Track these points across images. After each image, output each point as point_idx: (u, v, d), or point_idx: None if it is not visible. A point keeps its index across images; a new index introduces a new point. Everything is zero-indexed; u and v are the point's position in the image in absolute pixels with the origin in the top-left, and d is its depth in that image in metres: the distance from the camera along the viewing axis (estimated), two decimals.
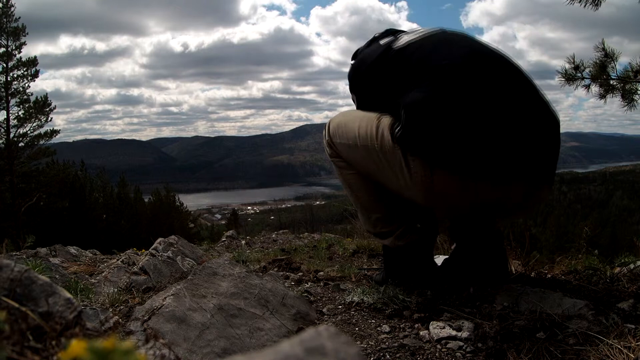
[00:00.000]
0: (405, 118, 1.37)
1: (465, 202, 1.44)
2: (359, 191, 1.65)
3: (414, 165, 1.38)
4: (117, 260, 2.49)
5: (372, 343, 1.24)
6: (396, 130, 1.40)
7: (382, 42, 1.61)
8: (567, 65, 3.85)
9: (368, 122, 1.52)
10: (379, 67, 1.55)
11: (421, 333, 1.28)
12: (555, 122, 1.47)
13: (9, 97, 14.74)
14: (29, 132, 15.08)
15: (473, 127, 1.33)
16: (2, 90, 14.66)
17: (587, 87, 3.87)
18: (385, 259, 1.77)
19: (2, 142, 14.75)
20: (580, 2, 3.24)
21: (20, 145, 15.00)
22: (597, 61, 3.71)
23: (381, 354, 1.17)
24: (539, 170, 1.43)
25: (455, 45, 1.47)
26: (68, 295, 0.62)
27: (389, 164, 1.45)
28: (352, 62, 1.82)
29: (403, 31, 1.69)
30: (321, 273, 2.07)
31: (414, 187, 1.41)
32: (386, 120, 1.47)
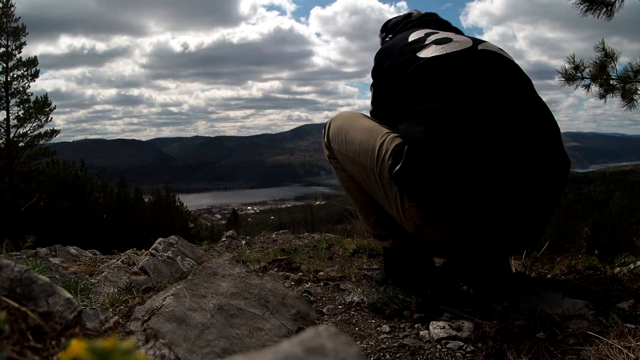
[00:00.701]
0: (406, 156, 1.31)
1: (450, 250, 1.44)
2: (357, 194, 1.63)
3: (409, 207, 1.35)
4: (117, 260, 2.49)
5: (372, 343, 1.24)
6: (396, 167, 1.33)
7: (410, 37, 1.56)
8: (567, 65, 3.85)
9: (370, 139, 1.45)
10: (399, 71, 1.48)
11: (421, 333, 1.28)
12: (563, 183, 1.43)
13: (9, 97, 14.74)
14: (29, 132, 15.08)
15: (477, 186, 1.26)
16: (2, 90, 14.66)
17: (587, 87, 3.87)
18: (386, 260, 1.77)
19: (2, 142, 14.75)
20: (593, 13, 3.25)
21: (20, 145, 15.00)
22: (597, 61, 3.71)
23: (381, 354, 1.17)
24: (527, 242, 1.46)
25: (477, 83, 1.35)
26: (68, 295, 0.62)
27: (384, 192, 1.42)
28: (381, 35, 1.84)
29: (436, 21, 1.70)
30: (321, 273, 2.07)
31: (406, 223, 1.40)
32: (389, 145, 1.38)
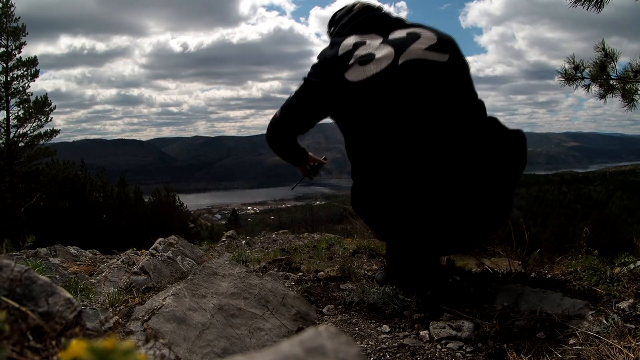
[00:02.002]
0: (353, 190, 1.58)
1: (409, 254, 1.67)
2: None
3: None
4: (117, 260, 2.49)
5: (372, 343, 1.24)
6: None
7: (340, 50, 1.56)
8: (567, 65, 3.84)
9: None
10: (327, 90, 1.53)
11: (421, 333, 1.28)
12: (519, 150, 1.48)
13: (9, 97, 14.73)
14: (29, 132, 15.07)
15: (399, 214, 1.46)
16: (2, 90, 14.65)
17: (587, 87, 3.87)
18: (388, 260, 1.82)
19: (2, 142, 14.73)
20: (583, 4, 3.23)
21: (20, 145, 14.99)
22: (597, 61, 3.71)
23: (381, 354, 1.17)
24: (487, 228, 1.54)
25: (393, 113, 1.42)
26: (68, 295, 0.62)
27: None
28: (329, 30, 1.84)
29: (372, 20, 1.65)
30: (321, 273, 2.07)
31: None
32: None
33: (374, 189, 1.48)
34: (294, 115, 1.65)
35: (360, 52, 1.51)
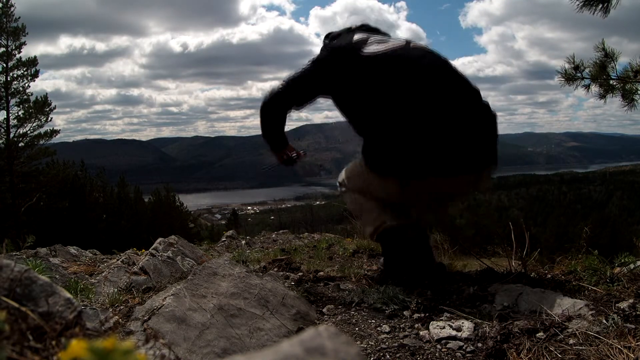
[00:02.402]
0: (373, 147, 1.78)
1: (430, 192, 1.82)
2: (358, 202, 1.99)
3: (389, 179, 1.78)
4: (117, 260, 2.49)
5: (372, 343, 1.24)
6: (368, 160, 1.81)
7: (356, 36, 1.86)
8: (567, 65, 3.84)
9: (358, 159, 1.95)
10: (340, 61, 1.80)
11: (421, 333, 1.28)
12: (492, 118, 1.79)
13: (9, 97, 14.72)
14: (29, 132, 15.06)
15: (425, 152, 1.70)
16: (2, 90, 14.64)
17: (587, 87, 3.86)
18: (385, 259, 1.91)
19: (2, 142, 14.72)
20: (589, 9, 3.23)
21: (20, 145, 14.97)
22: (597, 61, 3.70)
23: (381, 354, 1.17)
24: (482, 161, 1.79)
25: (407, 77, 1.72)
26: (68, 295, 0.62)
27: (374, 180, 1.84)
28: (325, 42, 2.07)
29: (376, 30, 1.98)
30: (321, 273, 2.07)
31: (393, 189, 1.80)
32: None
33: (393, 137, 1.73)
34: (299, 87, 1.88)
35: (375, 38, 1.84)
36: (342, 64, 1.78)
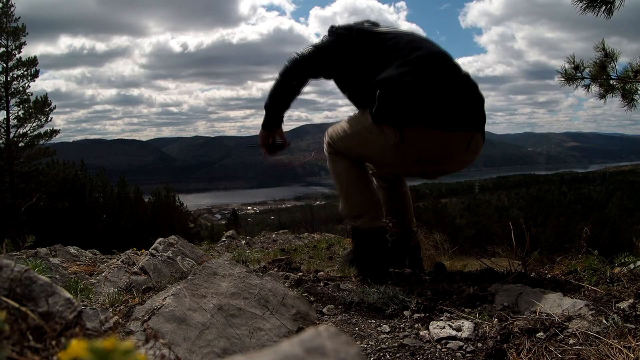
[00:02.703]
0: (380, 91, 1.79)
1: (424, 150, 1.88)
2: (345, 178, 2.06)
3: (387, 130, 1.82)
4: (117, 260, 2.49)
5: (372, 343, 1.24)
6: (373, 108, 1.82)
7: (366, 23, 2.05)
8: (567, 65, 3.84)
9: (351, 118, 2.04)
10: (358, 40, 1.95)
11: (421, 333, 1.28)
12: (475, 86, 1.95)
13: (9, 97, 14.71)
14: (28, 132, 15.05)
15: (427, 97, 1.81)
16: (2, 90, 14.64)
17: (587, 87, 3.86)
18: (355, 244, 2.17)
19: (2, 142, 14.72)
20: (593, 11, 3.23)
21: (20, 145, 14.97)
22: (597, 61, 3.70)
23: (381, 354, 1.17)
24: (474, 120, 1.89)
25: (418, 46, 1.91)
26: (68, 295, 0.62)
27: (370, 136, 1.90)
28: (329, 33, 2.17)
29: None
30: (321, 273, 2.07)
31: (389, 148, 1.85)
32: (363, 111, 1.95)
33: (396, 84, 1.81)
34: (323, 55, 1.99)
35: (385, 25, 2.06)
36: (358, 39, 1.95)
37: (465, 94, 1.90)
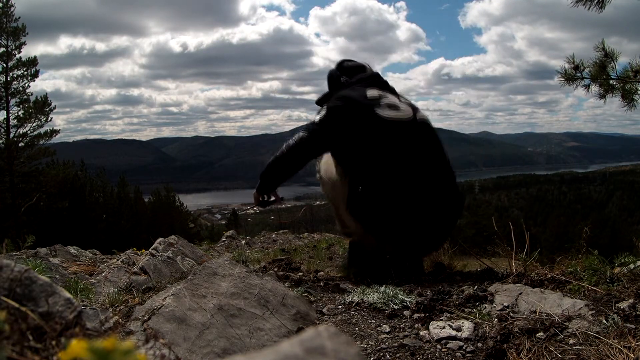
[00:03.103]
0: (355, 202, 1.97)
1: (379, 250, 2.07)
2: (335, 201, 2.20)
3: (357, 225, 2.03)
4: (117, 260, 2.49)
5: (372, 343, 1.24)
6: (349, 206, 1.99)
7: (368, 93, 2.04)
8: (567, 65, 3.83)
9: (337, 182, 2.13)
10: (354, 114, 1.98)
11: (421, 333, 1.28)
12: (462, 201, 2.19)
13: (9, 97, 14.70)
14: (28, 132, 15.03)
15: (398, 222, 1.95)
16: (2, 90, 14.63)
17: (587, 87, 3.86)
18: (349, 251, 2.31)
19: (2, 142, 14.70)
20: (584, 4, 3.21)
21: (20, 145, 14.96)
22: (597, 61, 3.69)
23: (381, 354, 1.17)
24: (440, 243, 2.17)
25: (409, 151, 1.99)
26: (68, 295, 0.62)
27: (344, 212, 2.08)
28: (337, 73, 2.26)
29: (382, 83, 2.18)
30: (321, 273, 2.07)
31: (354, 227, 2.04)
32: (344, 190, 2.05)
33: (383, 201, 1.93)
34: (321, 133, 2.01)
35: (386, 100, 2.03)
36: (356, 118, 1.98)
37: (443, 221, 2.06)
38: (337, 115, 2.01)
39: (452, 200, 2.09)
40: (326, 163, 2.24)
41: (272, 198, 2.18)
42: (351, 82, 2.19)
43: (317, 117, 2.05)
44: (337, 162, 2.14)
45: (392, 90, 2.21)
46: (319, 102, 2.29)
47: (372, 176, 1.98)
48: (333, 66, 2.37)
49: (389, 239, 1.99)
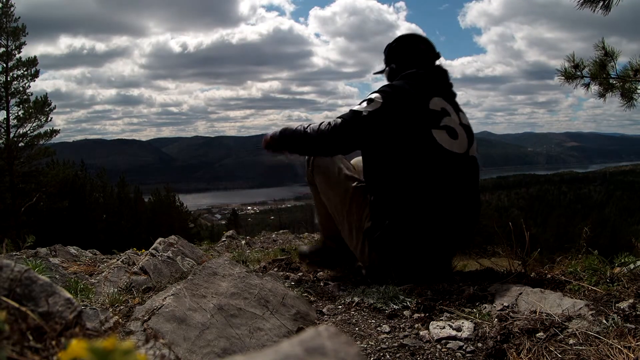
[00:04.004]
0: (382, 235, 1.78)
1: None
2: (323, 213, 2.10)
3: (373, 255, 1.83)
4: (117, 260, 2.49)
5: (372, 343, 1.24)
6: (375, 235, 1.80)
7: (431, 104, 1.78)
8: (567, 64, 3.84)
9: (346, 192, 1.91)
10: (413, 129, 1.74)
11: (421, 333, 1.28)
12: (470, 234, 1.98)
13: (9, 97, 14.71)
14: (28, 132, 15.04)
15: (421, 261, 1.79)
16: (2, 90, 14.63)
17: (587, 85, 3.87)
18: (322, 248, 2.26)
19: (2, 142, 14.71)
20: (590, 6, 3.21)
21: (20, 145, 14.97)
22: (597, 60, 3.70)
23: (381, 354, 1.17)
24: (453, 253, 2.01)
25: (451, 185, 1.79)
26: (68, 295, 0.62)
27: (352, 234, 1.90)
28: (391, 55, 2.01)
29: (447, 87, 1.92)
30: (321, 273, 2.07)
31: (362, 253, 1.87)
32: (364, 209, 1.86)
33: (410, 238, 1.76)
34: (365, 129, 1.74)
35: (447, 121, 1.80)
36: (409, 127, 1.74)
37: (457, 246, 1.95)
38: (391, 110, 1.73)
39: (471, 233, 1.97)
40: (343, 161, 2.03)
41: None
42: (414, 72, 1.87)
43: (364, 106, 1.75)
44: (366, 171, 1.90)
45: (453, 100, 1.92)
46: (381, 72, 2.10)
47: (403, 206, 1.76)
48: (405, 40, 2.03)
49: (402, 270, 1.81)
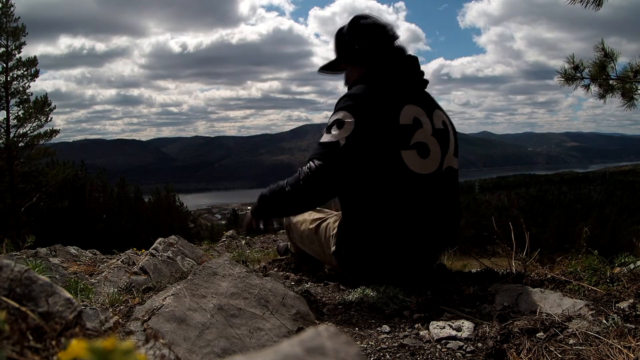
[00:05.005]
0: (343, 255, 1.79)
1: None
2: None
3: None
4: (117, 260, 2.49)
5: (372, 343, 1.24)
6: (340, 256, 1.80)
7: (401, 118, 1.57)
8: (567, 65, 3.84)
9: (319, 229, 1.93)
10: (381, 150, 1.56)
11: (421, 333, 1.28)
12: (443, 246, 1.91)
13: (9, 97, 14.72)
14: (28, 132, 15.05)
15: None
16: (2, 90, 14.64)
17: (587, 87, 3.87)
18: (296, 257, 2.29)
19: (2, 142, 14.72)
20: (581, 2, 3.22)
21: (20, 145, 14.97)
22: (597, 61, 3.70)
23: (381, 354, 1.17)
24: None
25: (422, 209, 1.66)
26: (68, 295, 0.62)
27: (324, 253, 1.92)
28: (351, 36, 1.72)
29: (421, 79, 1.74)
30: (321, 273, 2.07)
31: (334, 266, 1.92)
32: (331, 236, 1.85)
33: (378, 254, 1.69)
34: (340, 166, 1.53)
35: (419, 137, 1.59)
36: (376, 149, 1.54)
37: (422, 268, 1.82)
38: (364, 128, 1.51)
39: (449, 241, 1.91)
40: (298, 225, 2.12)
41: (262, 227, 1.86)
42: (380, 72, 1.63)
43: (336, 133, 1.50)
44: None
45: (426, 97, 1.72)
46: (324, 69, 1.90)
47: (369, 230, 1.67)
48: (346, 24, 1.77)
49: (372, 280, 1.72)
